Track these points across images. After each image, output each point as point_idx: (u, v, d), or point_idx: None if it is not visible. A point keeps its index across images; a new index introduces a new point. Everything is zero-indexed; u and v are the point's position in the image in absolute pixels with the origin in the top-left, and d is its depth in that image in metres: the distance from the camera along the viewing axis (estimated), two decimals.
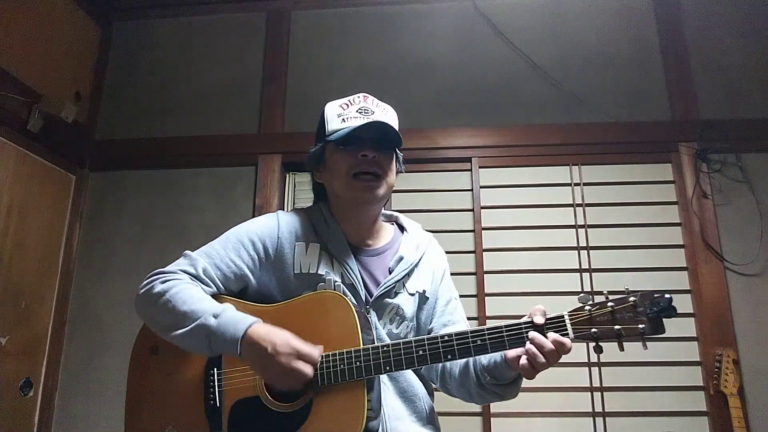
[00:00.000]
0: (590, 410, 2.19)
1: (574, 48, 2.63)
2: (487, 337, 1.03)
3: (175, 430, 1.12)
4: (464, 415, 2.21)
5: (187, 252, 1.19)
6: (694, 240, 2.31)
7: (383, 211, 1.32)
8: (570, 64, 2.61)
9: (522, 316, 1.06)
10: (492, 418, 2.20)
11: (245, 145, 2.63)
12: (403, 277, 1.22)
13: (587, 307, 1.02)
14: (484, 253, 2.39)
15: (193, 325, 1.04)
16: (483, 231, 2.41)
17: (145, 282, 1.14)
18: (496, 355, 1.10)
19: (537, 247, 2.39)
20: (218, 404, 1.10)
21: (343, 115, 1.20)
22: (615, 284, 2.22)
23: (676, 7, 2.62)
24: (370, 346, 1.06)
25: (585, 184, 2.45)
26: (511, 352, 1.05)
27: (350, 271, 1.18)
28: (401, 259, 1.23)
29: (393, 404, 1.15)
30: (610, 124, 2.48)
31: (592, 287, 2.31)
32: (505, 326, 1.03)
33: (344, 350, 1.05)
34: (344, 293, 1.15)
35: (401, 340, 1.07)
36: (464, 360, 1.17)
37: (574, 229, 2.40)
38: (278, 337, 1.02)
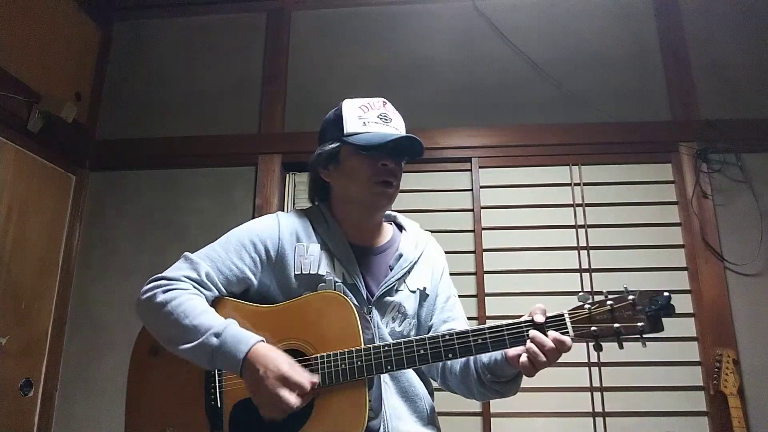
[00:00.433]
0: (590, 410, 2.19)
1: (574, 48, 2.63)
2: (488, 336, 1.04)
3: (176, 430, 1.12)
4: (464, 415, 2.21)
5: (188, 254, 1.17)
6: (694, 240, 2.31)
7: None
8: (570, 64, 2.61)
9: (522, 316, 1.06)
10: (492, 418, 2.20)
11: (245, 145, 2.63)
12: (404, 274, 1.23)
13: (587, 306, 1.03)
14: (484, 253, 2.39)
15: (195, 342, 1.04)
16: (483, 231, 2.41)
17: (147, 288, 1.12)
18: (497, 354, 1.10)
19: (537, 247, 2.39)
20: (219, 404, 1.10)
21: (363, 118, 1.19)
22: (615, 284, 2.20)
23: (676, 7, 2.62)
24: (371, 345, 1.06)
25: (585, 184, 2.45)
26: (512, 351, 1.06)
27: (351, 271, 1.19)
28: (401, 257, 1.24)
29: (394, 404, 1.15)
30: (610, 124, 2.48)
31: (591, 287, 2.31)
32: (506, 325, 1.04)
33: (345, 350, 1.05)
34: (345, 293, 1.15)
35: (402, 340, 1.07)
36: (465, 357, 1.18)
37: (574, 229, 2.40)
38: (271, 362, 1.00)
